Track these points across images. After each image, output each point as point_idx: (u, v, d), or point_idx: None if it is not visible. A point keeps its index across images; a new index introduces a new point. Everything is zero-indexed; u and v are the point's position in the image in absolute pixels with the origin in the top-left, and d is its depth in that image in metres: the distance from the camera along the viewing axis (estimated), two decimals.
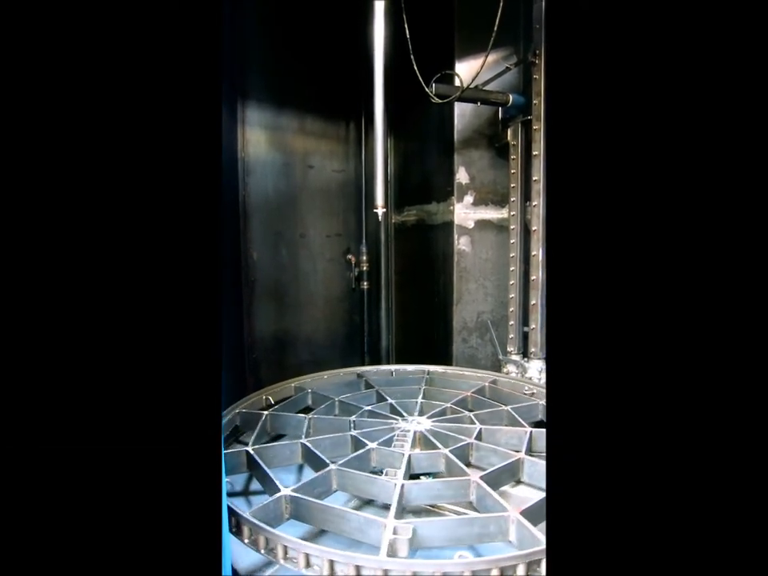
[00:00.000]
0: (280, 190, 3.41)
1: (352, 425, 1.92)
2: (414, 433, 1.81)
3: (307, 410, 2.18)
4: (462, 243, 3.00)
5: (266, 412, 2.00)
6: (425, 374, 2.54)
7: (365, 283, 3.75)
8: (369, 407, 2.09)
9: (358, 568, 1.12)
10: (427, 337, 3.35)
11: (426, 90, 2.45)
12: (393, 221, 3.72)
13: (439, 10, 2.99)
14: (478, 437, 1.79)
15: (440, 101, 2.46)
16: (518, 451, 1.66)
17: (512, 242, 2.81)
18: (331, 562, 1.13)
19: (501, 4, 2.25)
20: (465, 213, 2.99)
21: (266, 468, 1.54)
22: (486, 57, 2.27)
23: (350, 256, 3.73)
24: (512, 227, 2.81)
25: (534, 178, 2.51)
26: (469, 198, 2.99)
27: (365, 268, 3.73)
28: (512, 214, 2.82)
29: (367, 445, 1.69)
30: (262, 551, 1.24)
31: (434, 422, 1.93)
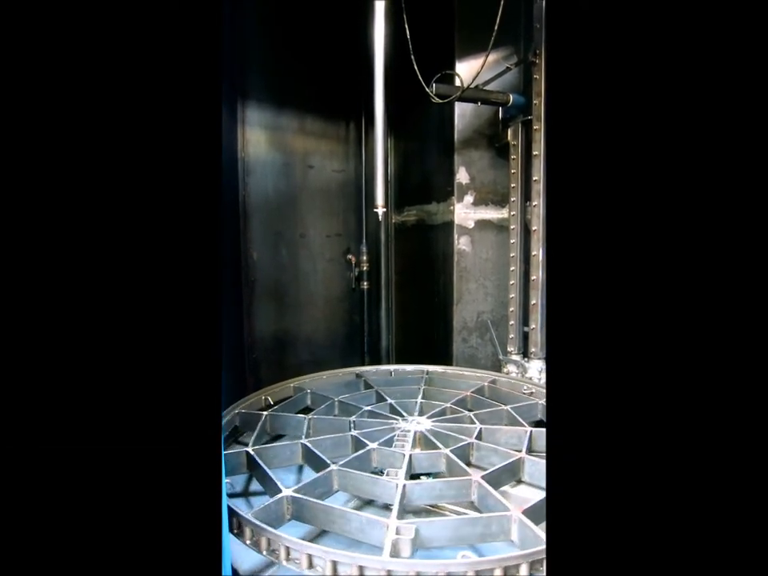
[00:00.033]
0: (280, 190, 3.41)
1: (352, 425, 1.92)
2: (415, 433, 1.81)
3: (306, 410, 2.18)
4: (462, 243, 3.00)
5: (265, 412, 2.00)
6: (424, 374, 2.54)
7: (365, 283, 3.75)
8: (368, 407, 2.09)
9: (361, 568, 1.12)
10: (427, 337, 3.35)
11: (427, 89, 2.45)
12: (393, 221, 3.72)
13: (439, 10, 2.99)
14: (479, 436, 1.79)
15: (440, 101, 2.46)
16: (518, 451, 1.66)
17: (512, 241, 2.81)
18: (334, 563, 1.13)
19: (501, 4, 2.25)
20: (465, 213, 2.99)
21: (266, 469, 1.54)
22: (487, 57, 2.27)
23: (350, 256, 3.73)
24: (512, 227, 2.81)
25: (534, 178, 2.51)
26: (469, 198, 2.99)
27: (365, 268, 3.73)
28: (512, 213, 2.82)
29: (368, 445, 1.69)
30: (264, 552, 1.24)
31: (434, 421, 1.93)
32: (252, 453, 1.64)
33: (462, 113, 2.95)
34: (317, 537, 1.46)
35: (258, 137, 3.28)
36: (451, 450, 1.65)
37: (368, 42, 2.48)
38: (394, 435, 1.78)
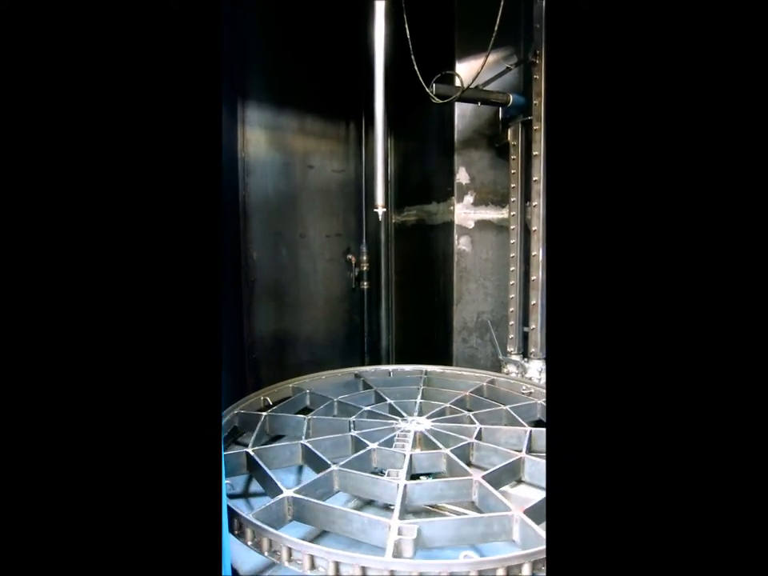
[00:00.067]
0: (280, 190, 3.41)
1: (352, 425, 1.92)
2: (415, 433, 1.81)
3: (305, 410, 2.18)
4: (462, 243, 3.00)
5: (264, 413, 2.00)
6: (423, 374, 2.55)
7: (365, 283, 3.75)
8: (368, 408, 2.09)
9: (363, 569, 1.12)
10: (427, 337, 3.35)
11: (427, 90, 2.45)
12: (393, 221, 3.72)
13: (439, 10, 2.99)
14: (479, 436, 1.79)
15: (440, 101, 2.46)
16: (518, 450, 1.66)
17: (512, 242, 2.81)
18: (336, 564, 1.13)
19: (501, 4, 2.25)
20: (465, 213, 2.99)
21: (267, 469, 1.54)
22: (487, 57, 2.27)
23: (350, 256, 3.73)
24: (512, 227, 2.81)
25: (534, 178, 2.51)
26: (469, 198, 2.99)
27: (365, 268, 3.73)
28: (512, 214, 2.82)
29: (368, 445, 1.69)
30: (266, 553, 1.24)
31: (433, 422, 1.93)
32: (252, 454, 1.64)
33: (462, 113, 2.95)
34: (315, 537, 1.45)
35: (257, 137, 3.28)
36: (451, 450, 1.65)
37: (368, 42, 2.48)
38: (394, 435, 1.78)
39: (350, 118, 3.69)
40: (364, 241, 3.76)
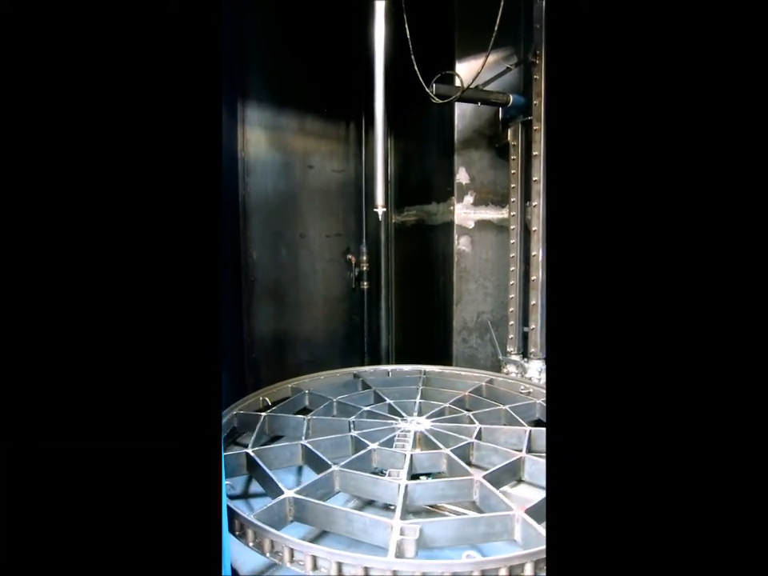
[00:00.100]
0: (280, 190, 3.41)
1: (351, 425, 1.91)
2: (415, 433, 1.81)
3: (305, 411, 2.18)
4: (462, 243, 3.00)
5: (264, 413, 2.00)
6: (421, 374, 2.55)
7: (365, 283, 3.75)
8: (367, 408, 2.09)
9: (366, 569, 1.12)
10: (427, 337, 3.35)
11: (427, 90, 2.45)
12: (393, 221, 3.72)
13: (439, 10, 2.99)
14: (478, 436, 1.79)
15: (440, 101, 2.46)
16: (518, 450, 1.66)
17: (512, 242, 2.81)
18: (339, 564, 1.13)
19: (501, 4, 2.25)
20: (465, 213, 2.99)
21: (267, 470, 1.54)
22: (487, 57, 2.27)
23: (350, 256, 3.73)
24: (512, 227, 2.81)
25: (534, 179, 2.51)
26: (469, 199, 2.99)
27: (365, 268, 3.73)
28: (512, 214, 2.82)
29: (368, 445, 1.68)
30: (267, 554, 1.23)
31: (433, 422, 1.93)
32: (252, 454, 1.63)
33: (462, 113, 2.95)
34: (315, 538, 1.45)
35: (257, 137, 3.28)
36: (452, 450, 1.65)
37: (368, 42, 2.47)
38: (394, 435, 1.77)
39: (349, 117, 3.69)
40: (364, 241, 3.75)
